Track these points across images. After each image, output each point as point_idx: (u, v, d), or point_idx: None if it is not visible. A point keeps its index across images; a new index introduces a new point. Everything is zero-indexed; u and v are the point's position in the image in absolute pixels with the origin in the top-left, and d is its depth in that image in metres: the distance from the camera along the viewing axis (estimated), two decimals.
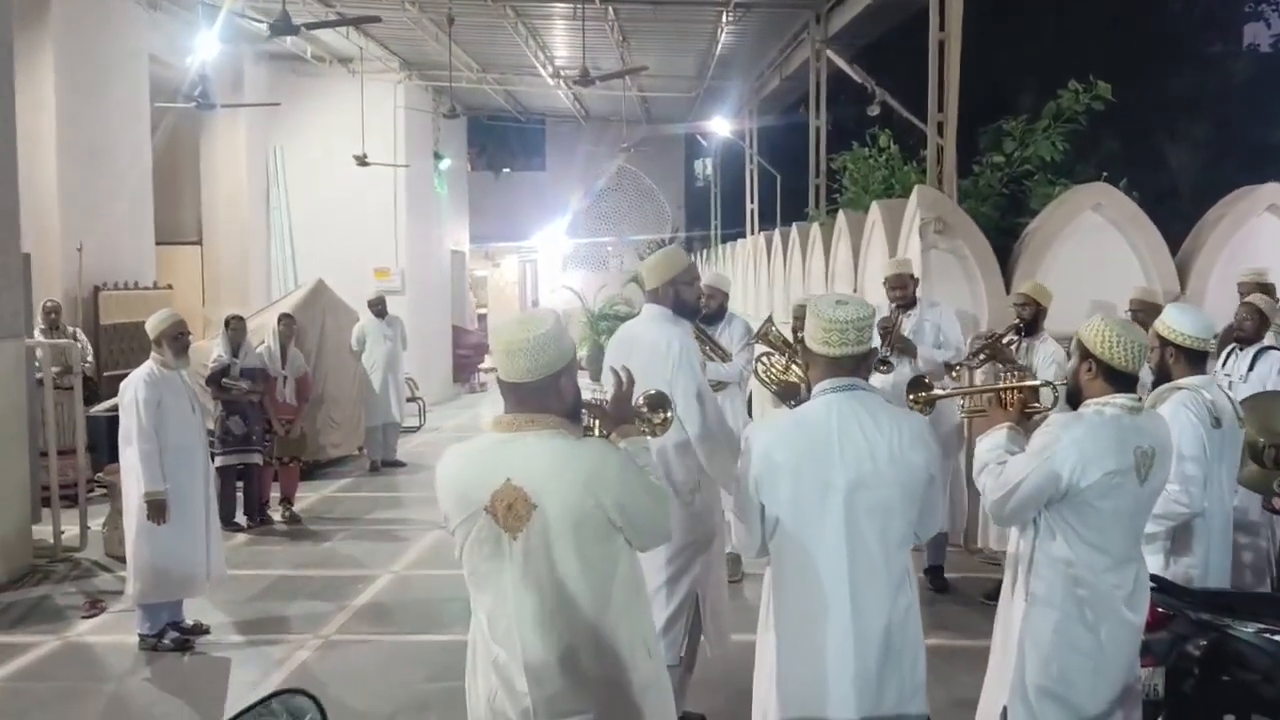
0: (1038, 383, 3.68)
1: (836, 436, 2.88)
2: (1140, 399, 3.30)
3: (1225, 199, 8.60)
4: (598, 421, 3.07)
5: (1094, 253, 8.24)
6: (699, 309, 5.18)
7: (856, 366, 2.94)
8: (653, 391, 3.44)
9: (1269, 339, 5.85)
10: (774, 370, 6.42)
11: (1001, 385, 3.58)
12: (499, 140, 26.22)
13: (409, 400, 13.89)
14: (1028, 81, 17.65)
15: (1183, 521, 3.87)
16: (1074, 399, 3.36)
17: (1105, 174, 8.96)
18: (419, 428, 14.88)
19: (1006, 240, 8.85)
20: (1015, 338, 6.72)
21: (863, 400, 2.93)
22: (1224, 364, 5.89)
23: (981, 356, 6.76)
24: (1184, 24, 21.96)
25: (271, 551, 8.48)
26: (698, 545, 4.55)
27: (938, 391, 4.00)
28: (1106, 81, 9.04)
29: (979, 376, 6.94)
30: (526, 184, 26.18)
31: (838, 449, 2.88)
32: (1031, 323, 6.73)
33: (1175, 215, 10.04)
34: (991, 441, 3.41)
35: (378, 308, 11.99)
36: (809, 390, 3.07)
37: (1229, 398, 4.13)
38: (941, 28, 8.60)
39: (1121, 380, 3.24)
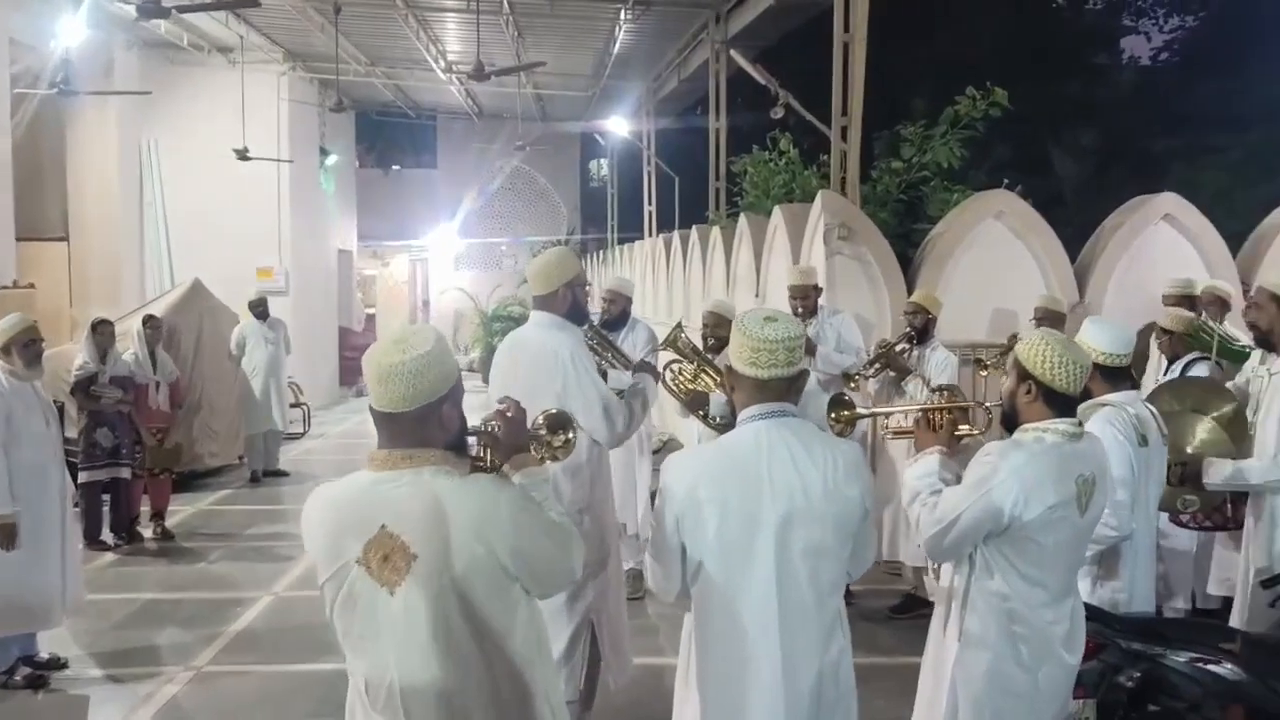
0: (968, 403, 3.48)
1: (766, 469, 2.61)
2: (1081, 423, 3.11)
3: (1122, 207, 8.66)
4: (489, 451, 2.75)
5: (995, 260, 8.22)
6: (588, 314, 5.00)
7: (786, 390, 2.67)
8: (553, 411, 3.11)
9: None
10: (683, 379, 6.19)
11: (930, 405, 3.36)
12: (388, 136, 25.59)
13: (293, 406, 13.30)
14: (920, 87, 17.85)
15: (1110, 545, 3.71)
16: (1010, 422, 3.15)
17: (1006, 182, 8.96)
18: (303, 434, 14.28)
19: (903, 246, 8.78)
20: (907, 346, 6.66)
21: (794, 428, 2.66)
22: (1164, 374, 5.85)
23: (876, 366, 6.67)
24: (1069, 35, 22.53)
25: (140, 573, 7.88)
26: (590, 569, 4.24)
27: (860, 411, 3.77)
28: (997, 88, 9.03)
29: (872, 385, 6.86)
30: (417, 182, 25.62)
31: (768, 483, 2.60)
32: (923, 331, 6.67)
33: (1061, 222, 10.11)
34: (923, 468, 3.18)
35: (259, 310, 11.42)
36: (732, 408, 2.80)
37: (1152, 413, 4.00)
38: (846, 30, 8.47)
39: (1062, 403, 3.04)
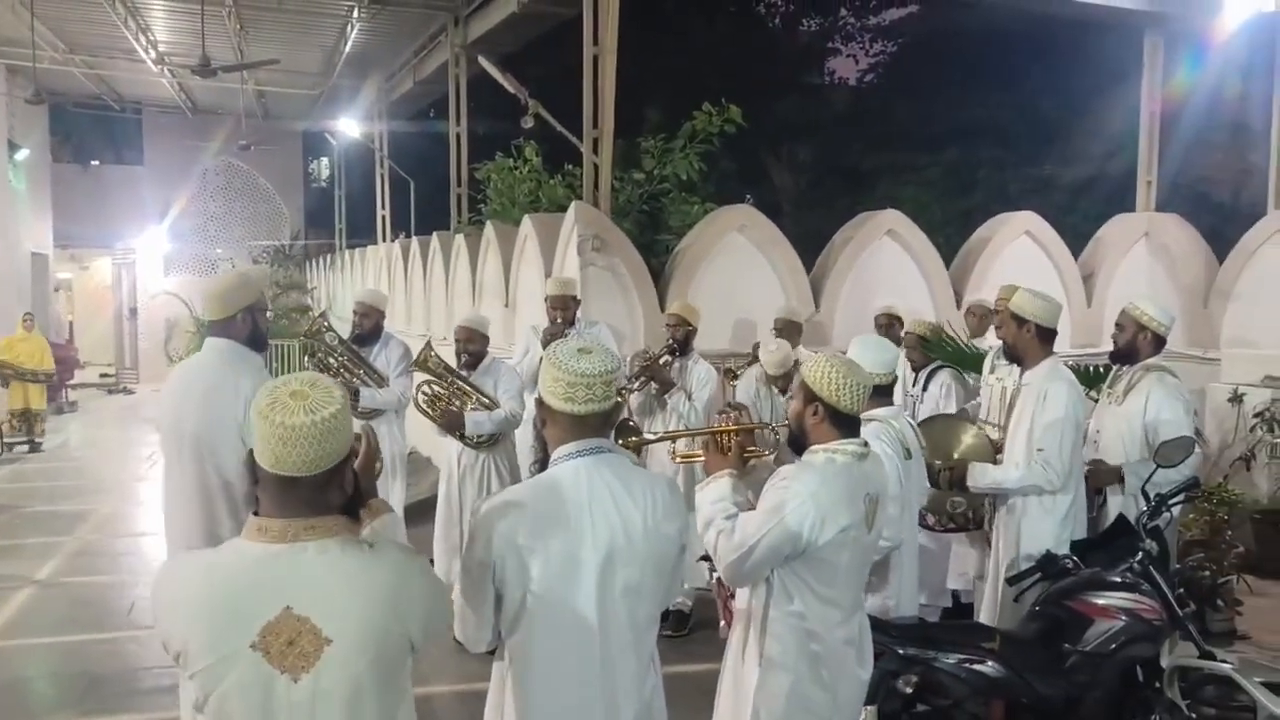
0: (756, 425, 3.52)
1: (588, 510, 2.52)
2: (867, 443, 3.22)
3: (850, 223, 9.19)
4: None
5: (739, 272, 8.50)
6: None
7: (603, 424, 2.60)
8: None
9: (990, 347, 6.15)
10: (439, 401, 6.00)
11: (718, 428, 3.37)
12: (87, 129, 23.55)
13: None
14: (650, 99, 18.29)
15: (882, 555, 3.89)
16: (798, 443, 3.22)
17: (749, 197, 9.29)
18: None
19: (646, 256, 8.91)
20: (670, 358, 6.66)
21: (613, 465, 2.59)
22: (913, 384, 6.20)
23: (641, 379, 6.67)
24: (785, 55, 23.78)
25: None
26: None
27: (648, 436, 3.76)
28: (722, 104, 9.37)
29: (634, 399, 6.89)
30: (121, 179, 23.72)
31: (589, 524, 2.52)
32: (684, 343, 6.67)
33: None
34: (715, 492, 3.18)
35: None
36: (543, 442, 2.71)
37: (912, 426, 4.23)
38: (596, 42, 8.51)
39: (847, 423, 3.14)
